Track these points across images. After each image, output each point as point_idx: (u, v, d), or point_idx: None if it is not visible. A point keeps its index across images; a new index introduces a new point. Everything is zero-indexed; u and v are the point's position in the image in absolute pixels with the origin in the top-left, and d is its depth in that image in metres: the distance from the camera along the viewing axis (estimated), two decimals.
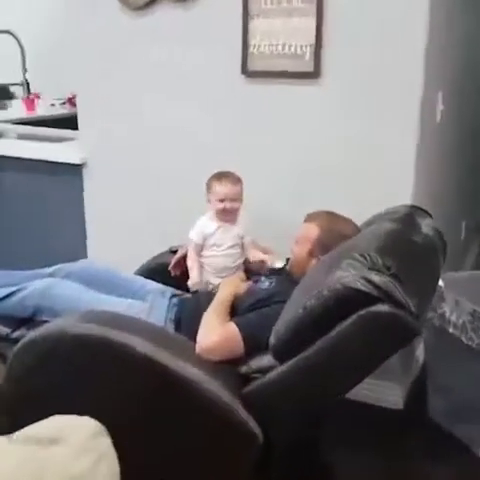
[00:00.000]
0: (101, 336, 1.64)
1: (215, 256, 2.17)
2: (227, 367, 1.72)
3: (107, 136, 2.75)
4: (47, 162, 2.85)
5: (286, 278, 1.98)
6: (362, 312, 1.49)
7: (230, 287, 1.96)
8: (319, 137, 2.36)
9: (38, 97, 4.82)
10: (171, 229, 2.53)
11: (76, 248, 2.92)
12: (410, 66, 2.15)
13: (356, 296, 1.48)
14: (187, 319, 1.95)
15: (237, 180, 2.14)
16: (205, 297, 2.00)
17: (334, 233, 1.89)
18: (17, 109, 4.59)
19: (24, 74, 3.88)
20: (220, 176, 2.14)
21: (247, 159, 2.45)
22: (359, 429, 2.26)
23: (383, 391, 2.37)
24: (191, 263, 2.18)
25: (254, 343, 1.72)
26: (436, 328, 2.29)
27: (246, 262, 2.23)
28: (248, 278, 2.11)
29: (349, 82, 2.26)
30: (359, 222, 1.99)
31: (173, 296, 2.09)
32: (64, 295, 1.98)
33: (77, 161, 2.80)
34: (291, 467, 2.01)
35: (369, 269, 1.51)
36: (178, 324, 1.96)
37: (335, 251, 1.75)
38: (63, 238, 2.96)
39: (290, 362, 1.60)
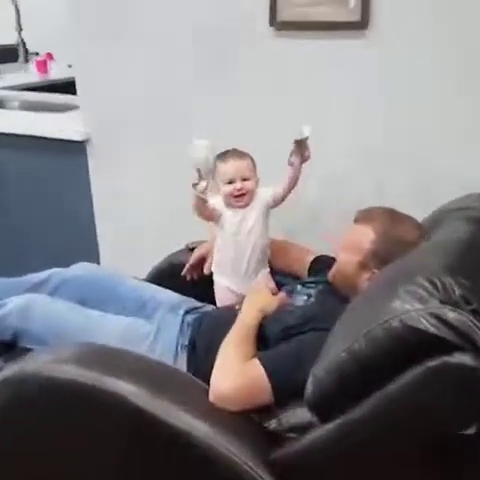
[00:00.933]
0: (81, 383, 1.26)
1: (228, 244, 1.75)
2: (249, 421, 1.32)
3: (113, 107, 2.32)
4: (44, 139, 2.44)
5: (328, 290, 1.56)
6: (433, 363, 1.07)
7: (257, 304, 1.55)
8: (367, 104, 1.89)
9: (51, 58, 4.39)
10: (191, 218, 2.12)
11: (83, 239, 2.54)
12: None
13: (422, 340, 1.06)
14: (203, 345, 1.55)
15: (243, 154, 1.71)
16: (227, 314, 1.60)
17: (395, 241, 1.45)
18: (20, 73, 4.14)
19: (19, 33, 3.42)
20: (221, 155, 1.71)
21: (276, 130, 1.99)
22: None
23: None
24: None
25: (286, 390, 1.31)
26: None
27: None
28: (278, 285, 1.69)
29: (405, 34, 1.76)
30: (419, 205, 1.55)
31: (188, 312, 1.69)
32: (46, 317, 1.60)
33: (78, 137, 2.38)
34: None
35: (441, 302, 1.07)
36: (192, 351, 1.56)
37: (393, 269, 1.31)
38: (68, 227, 2.58)
39: (335, 422, 1.19)
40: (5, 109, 3.15)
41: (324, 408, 1.20)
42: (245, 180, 1.69)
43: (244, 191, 1.69)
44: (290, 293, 1.62)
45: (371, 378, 1.12)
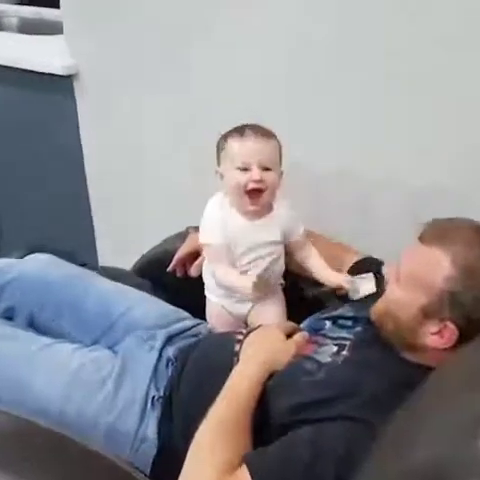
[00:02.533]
0: None
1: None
2: None
3: (107, 32, 1.76)
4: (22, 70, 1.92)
5: (372, 338, 1.04)
6: None
7: (262, 354, 1.05)
8: None
9: None
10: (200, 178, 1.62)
11: (71, 196, 2.06)
12: None
13: None
14: (184, 401, 1.08)
15: (269, 133, 1.18)
16: (226, 350, 1.11)
17: None
18: None
19: None
20: (237, 130, 1.19)
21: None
22: None
23: None
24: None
25: None
26: None
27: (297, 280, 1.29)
28: (298, 322, 1.18)
29: None
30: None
31: (170, 339, 1.20)
32: None
33: (63, 71, 1.85)
34: None
35: None
36: (168, 409, 1.09)
37: None
38: (52, 180, 2.09)
39: None
40: None
41: None
42: (267, 170, 1.16)
43: (263, 186, 1.16)
44: (315, 333, 1.11)
45: None
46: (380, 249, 1.31)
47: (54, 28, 2.24)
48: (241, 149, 1.16)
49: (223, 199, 1.22)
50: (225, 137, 1.19)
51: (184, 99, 1.67)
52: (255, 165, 1.15)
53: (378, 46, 1.33)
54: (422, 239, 0.99)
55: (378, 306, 1.05)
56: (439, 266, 0.94)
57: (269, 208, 1.22)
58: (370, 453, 0.76)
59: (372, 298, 1.10)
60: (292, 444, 0.89)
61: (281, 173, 1.21)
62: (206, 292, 1.31)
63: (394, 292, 1.01)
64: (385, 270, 1.08)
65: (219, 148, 1.21)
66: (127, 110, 1.82)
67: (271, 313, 1.26)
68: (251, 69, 1.52)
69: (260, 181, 1.15)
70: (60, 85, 1.89)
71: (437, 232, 0.98)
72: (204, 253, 1.29)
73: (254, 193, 1.16)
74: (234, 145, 1.17)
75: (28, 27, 2.56)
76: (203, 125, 1.63)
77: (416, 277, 0.97)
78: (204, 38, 1.57)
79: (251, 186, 1.15)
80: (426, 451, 0.67)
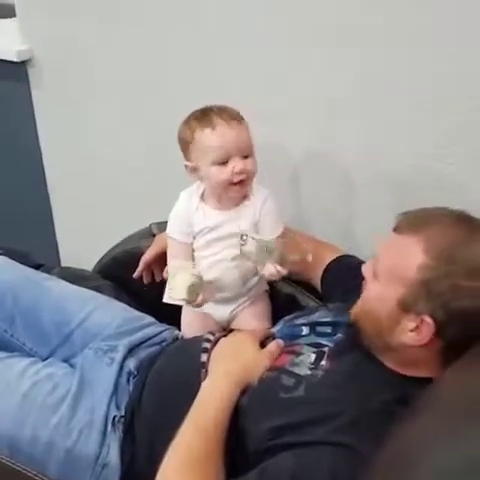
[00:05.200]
0: None
1: (210, 262, 1.13)
2: None
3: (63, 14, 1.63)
4: None
5: (353, 342, 0.95)
6: None
7: (234, 367, 0.95)
8: None
9: None
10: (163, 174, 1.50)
11: (31, 189, 1.93)
12: None
13: None
14: (148, 421, 0.98)
15: (238, 116, 1.08)
16: (196, 359, 1.01)
17: (464, 270, 0.83)
18: None
19: None
20: (207, 114, 1.07)
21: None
22: None
23: None
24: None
25: None
26: None
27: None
28: (272, 336, 1.06)
29: None
30: None
31: (131, 350, 1.09)
32: None
33: (16, 58, 1.71)
34: None
35: None
36: (130, 429, 0.98)
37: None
38: (8, 175, 1.95)
39: None
40: None
41: None
42: (246, 158, 1.06)
43: (245, 176, 1.07)
44: (290, 341, 1.01)
45: None
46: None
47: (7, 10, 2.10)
48: (215, 141, 1.05)
49: (194, 190, 1.14)
50: (190, 127, 1.08)
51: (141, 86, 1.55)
52: (235, 156, 1.05)
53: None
54: (396, 229, 0.91)
55: (357, 307, 0.96)
56: (412, 254, 0.86)
57: (244, 198, 1.12)
58: None
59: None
60: (272, 476, 0.79)
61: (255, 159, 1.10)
62: None
63: (371, 289, 0.92)
64: (363, 268, 0.98)
65: (185, 141, 1.09)
66: (85, 98, 1.69)
67: (255, 318, 1.16)
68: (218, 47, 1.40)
69: (242, 172, 1.06)
70: (14, 72, 1.76)
71: (411, 220, 0.90)
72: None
73: (238, 184, 1.07)
74: (205, 137, 1.05)
75: None
76: (161, 112, 1.52)
77: (391, 269, 0.89)
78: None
79: (236, 179, 1.06)
80: None
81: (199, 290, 1.05)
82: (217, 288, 1.13)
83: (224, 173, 1.06)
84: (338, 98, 1.25)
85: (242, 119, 1.07)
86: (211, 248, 1.12)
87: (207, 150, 1.05)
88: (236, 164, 1.05)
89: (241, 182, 1.07)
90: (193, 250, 1.14)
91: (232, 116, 1.06)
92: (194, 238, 1.13)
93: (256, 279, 1.17)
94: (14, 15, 1.78)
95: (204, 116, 1.07)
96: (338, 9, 1.20)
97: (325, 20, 1.22)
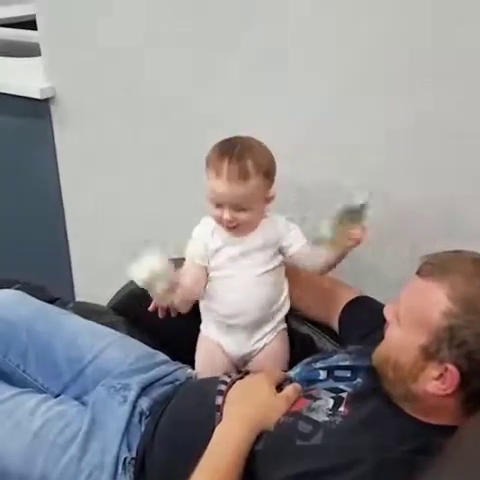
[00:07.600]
0: None
1: (231, 281, 1.13)
2: None
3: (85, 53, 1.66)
4: None
5: (373, 388, 0.92)
6: None
7: (249, 412, 0.92)
8: None
9: None
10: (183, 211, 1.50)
11: (48, 224, 1.93)
12: None
13: None
14: (160, 464, 0.95)
15: (248, 173, 1.04)
16: (210, 400, 0.98)
17: None
18: None
19: None
20: (227, 152, 1.06)
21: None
22: None
23: None
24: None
25: None
26: None
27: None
28: (289, 380, 1.03)
29: None
30: None
31: (144, 389, 1.07)
32: None
33: (38, 95, 1.74)
34: None
35: None
36: (141, 473, 0.96)
37: None
38: (27, 210, 1.97)
39: None
40: None
41: None
42: (241, 211, 1.06)
43: (235, 224, 1.08)
44: (308, 385, 0.99)
45: None
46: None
47: (32, 50, 2.14)
48: (213, 188, 1.06)
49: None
50: (210, 155, 1.08)
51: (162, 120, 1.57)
52: (226, 206, 1.06)
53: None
54: (419, 272, 0.89)
55: (379, 352, 0.93)
56: (436, 300, 0.83)
57: (252, 227, 1.12)
58: None
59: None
60: None
61: (272, 196, 1.10)
62: (202, 327, 1.19)
63: (393, 334, 0.90)
64: (385, 311, 0.96)
65: (206, 162, 1.09)
66: (106, 135, 1.71)
67: (272, 360, 1.15)
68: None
69: (232, 221, 1.07)
70: (37, 109, 1.78)
71: (435, 264, 0.88)
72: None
73: (229, 227, 1.09)
74: (210, 174, 1.07)
75: (5, 49, 2.45)
76: (183, 147, 1.53)
77: (414, 314, 0.86)
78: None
79: (225, 225, 1.08)
80: None
81: (162, 280, 1.03)
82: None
83: (215, 211, 1.08)
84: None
85: (251, 176, 1.04)
86: (232, 266, 1.12)
87: (209, 184, 1.07)
88: (224, 213, 1.06)
89: (233, 227, 1.09)
90: (208, 273, 1.14)
91: (239, 172, 1.04)
92: (209, 261, 1.12)
93: (280, 302, 1.17)
94: (39, 54, 1.82)
95: (222, 154, 1.06)
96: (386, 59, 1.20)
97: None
